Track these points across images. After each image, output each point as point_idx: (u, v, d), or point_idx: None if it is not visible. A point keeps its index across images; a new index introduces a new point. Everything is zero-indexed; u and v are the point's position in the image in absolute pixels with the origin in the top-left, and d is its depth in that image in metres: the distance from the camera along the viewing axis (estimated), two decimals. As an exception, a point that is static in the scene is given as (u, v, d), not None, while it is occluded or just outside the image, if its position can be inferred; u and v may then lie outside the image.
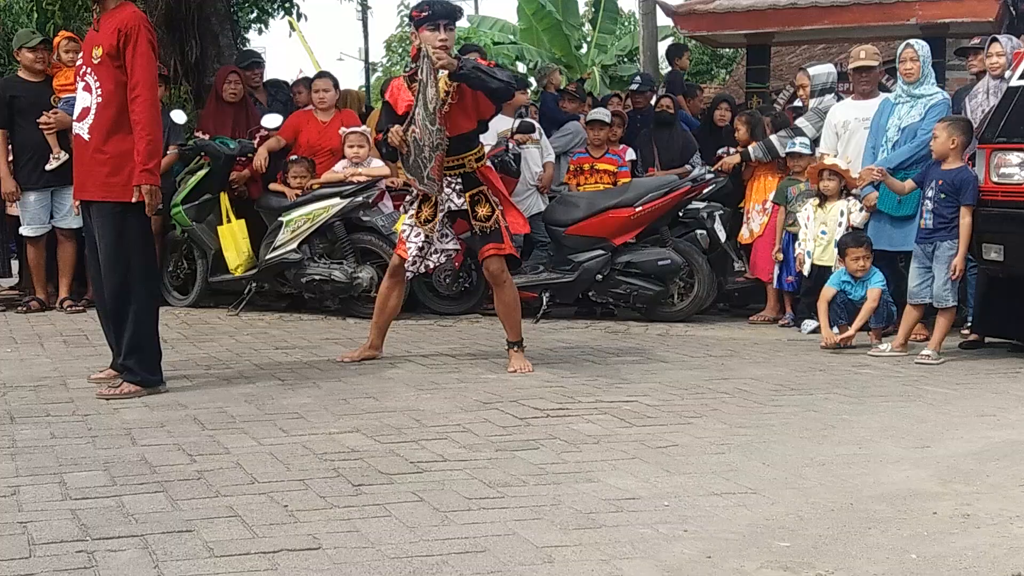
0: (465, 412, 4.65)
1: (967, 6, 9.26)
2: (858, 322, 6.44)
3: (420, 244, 5.75)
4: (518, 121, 7.90)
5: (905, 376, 5.63)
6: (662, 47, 17.47)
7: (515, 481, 3.61)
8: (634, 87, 10.08)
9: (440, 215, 5.67)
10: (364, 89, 25.82)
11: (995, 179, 5.98)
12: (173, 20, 10.08)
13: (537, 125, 8.26)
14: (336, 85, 8.20)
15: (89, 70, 4.96)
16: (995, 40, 6.92)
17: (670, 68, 11.27)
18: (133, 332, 4.96)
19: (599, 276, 7.57)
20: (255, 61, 8.99)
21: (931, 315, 6.31)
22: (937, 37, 9.38)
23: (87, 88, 4.97)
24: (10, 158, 7.80)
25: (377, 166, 7.73)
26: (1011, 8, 9.66)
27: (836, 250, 6.78)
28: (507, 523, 3.17)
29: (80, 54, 5.27)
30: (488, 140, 8.02)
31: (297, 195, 7.64)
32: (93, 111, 4.92)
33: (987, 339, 6.61)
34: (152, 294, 5.17)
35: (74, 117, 5.09)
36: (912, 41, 6.95)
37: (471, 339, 6.81)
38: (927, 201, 6.19)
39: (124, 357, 4.98)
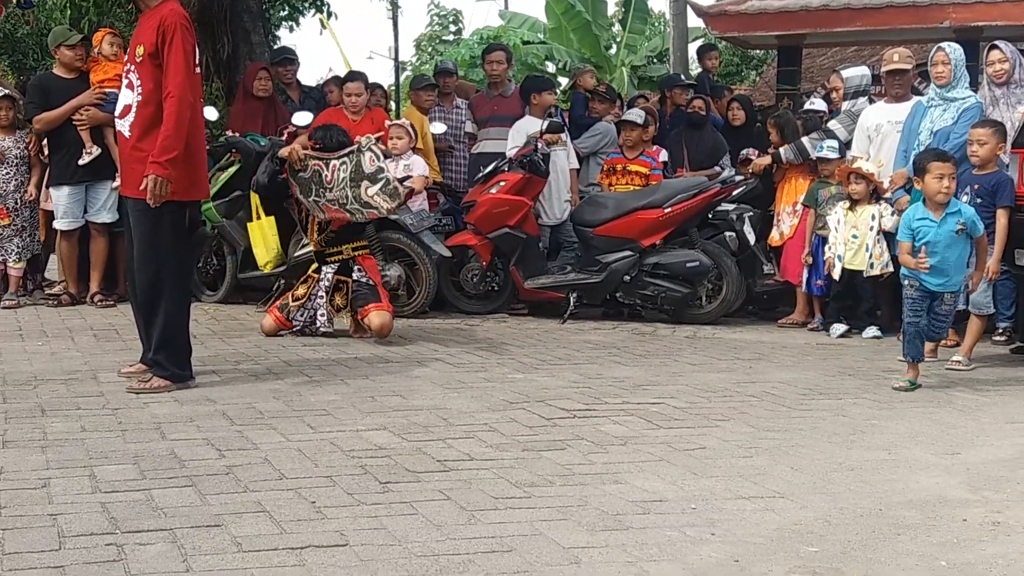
0: (492, 411, 4.65)
1: (1001, 9, 9.17)
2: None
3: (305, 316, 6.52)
4: (547, 121, 7.89)
5: (935, 382, 5.58)
6: (692, 48, 17.40)
7: (542, 481, 3.61)
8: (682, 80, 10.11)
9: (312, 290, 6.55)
10: (393, 88, 25.89)
11: (1029, 184, 5.92)
12: (205, 17, 10.15)
13: (566, 126, 8.26)
14: (368, 87, 8.20)
15: (132, 68, 5.02)
16: (995, 47, 6.77)
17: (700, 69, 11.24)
18: (164, 327, 4.99)
19: (627, 277, 7.56)
20: (288, 57, 9.03)
21: (960, 322, 6.25)
22: (971, 40, 9.29)
23: (130, 86, 5.03)
24: (46, 152, 7.89)
25: (417, 161, 7.75)
26: (1043, 11, 9.54)
27: (912, 171, 6.19)
28: (533, 523, 3.17)
29: (124, 49, 5.33)
30: (517, 141, 8.07)
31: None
32: (134, 109, 4.97)
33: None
34: (184, 291, 5.20)
35: (116, 113, 5.14)
36: (944, 44, 6.88)
37: (498, 338, 6.81)
38: (962, 208, 6.11)
39: (154, 352, 5.02)
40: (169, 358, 5.01)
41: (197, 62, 5.09)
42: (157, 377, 4.98)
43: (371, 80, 8.54)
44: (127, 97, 5.04)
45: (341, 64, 11.10)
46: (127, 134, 5.01)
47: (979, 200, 6.05)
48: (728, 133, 8.98)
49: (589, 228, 7.71)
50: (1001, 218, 5.96)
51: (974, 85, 7.04)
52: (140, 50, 4.95)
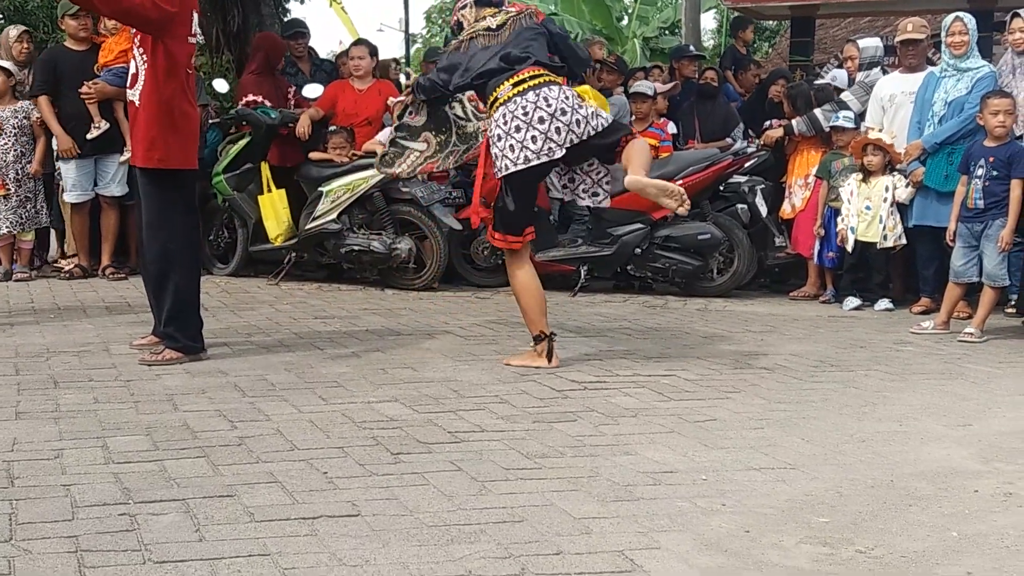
0: (503, 384, 4.66)
1: (1016, -21, 9.07)
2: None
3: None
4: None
5: (947, 354, 5.57)
6: (704, 19, 17.28)
7: (552, 452, 3.62)
8: (691, 51, 10.05)
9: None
10: (404, 60, 25.78)
11: (1043, 155, 5.87)
12: (215, -10, 10.12)
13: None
14: (373, 53, 8.17)
15: (138, 39, 5.00)
16: (1016, 15, 6.73)
17: (732, 41, 11.15)
18: (174, 299, 5.00)
19: (638, 250, 7.54)
20: (299, 31, 9.00)
21: (972, 293, 6.23)
22: (986, 10, 9.20)
23: (136, 56, 5.02)
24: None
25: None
26: (1064, -19, 9.44)
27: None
28: (544, 494, 3.18)
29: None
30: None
31: (344, 161, 7.66)
32: (142, 78, 4.96)
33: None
34: (194, 262, 5.21)
35: (127, 84, 5.13)
36: (960, 14, 6.82)
37: (508, 311, 6.80)
38: (976, 181, 6.08)
39: (165, 324, 5.03)
40: (181, 330, 5.02)
41: (194, 31, 5.06)
42: (169, 349, 4.99)
43: (383, 56, 8.51)
44: (134, 67, 5.03)
45: (349, 37, 11.02)
46: (137, 103, 5.00)
47: (995, 172, 6.01)
48: (764, 108, 8.84)
49: (600, 200, 7.67)
50: (1016, 189, 5.93)
51: (988, 55, 6.98)
52: None
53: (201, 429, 3.82)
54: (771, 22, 21.46)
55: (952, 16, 6.83)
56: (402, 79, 8.47)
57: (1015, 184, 5.92)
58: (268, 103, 7.94)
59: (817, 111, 7.61)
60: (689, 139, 8.61)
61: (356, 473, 3.34)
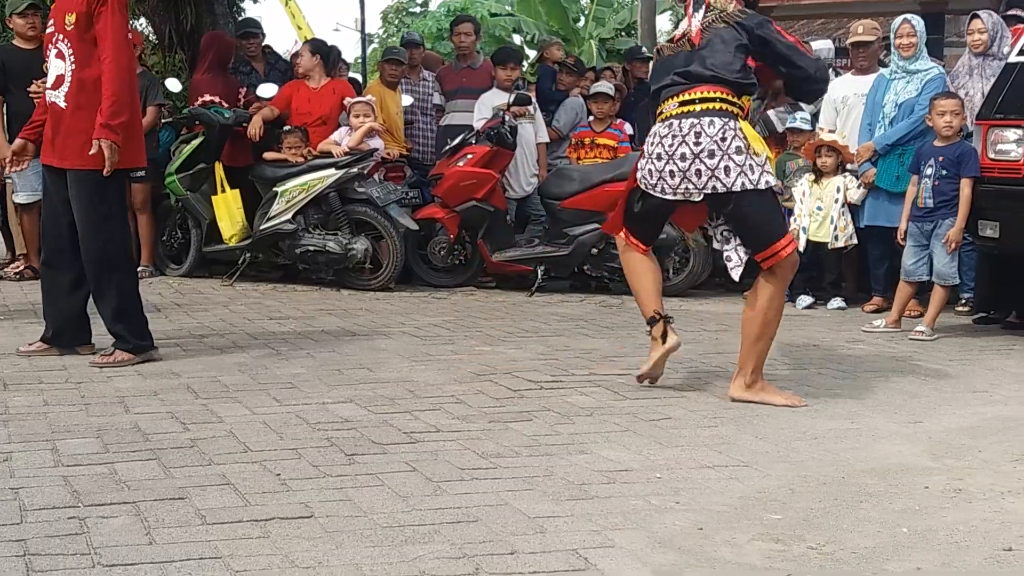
0: (459, 384, 4.65)
1: (967, -19, 9.23)
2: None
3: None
4: (514, 93, 7.86)
5: (898, 352, 5.64)
6: (660, 20, 17.38)
7: (508, 452, 3.62)
8: (643, 53, 10.07)
9: None
10: (360, 61, 25.70)
11: (992, 156, 5.96)
12: (168, -12, 10.02)
13: (534, 100, 8.23)
14: (315, 51, 8.11)
15: (62, 37, 4.88)
16: (976, 16, 6.83)
17: None
18: (119, 299, 4.93)
19: (594, 250, 7.56)
20: (251, 31, 8.93)
21: (924, 292, 6.31)
22: (936, 13, 9.34)
23: (60, 55, 4.89)
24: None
25: (376, 143, 7.71)
26: (1012, -15, 9.60)
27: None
28: (499, 493, 3.18)
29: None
30: (484, 114, 8.04)
31: (299, 161, 7.62)
32: (68, 78, 4.87)
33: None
34: (132, 259, 5.18)
35: (48, 85, 5.01)
36: (909, 16, 6.92)
37: (465, 311, 6.80)
38: (926, 180, 6.16)
39: (112, 325, 4.95)
40: (129, 329, 4.95)
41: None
42: (120, 351, 4.93)
43: (344, 55, 8.49)
44: (59, 67, 4.89)
45: (297, 37, 10.92)
46: (62, 105, 4.88)
47: (944, 172, 6.09)
48: None
49: (556, 201, 7.69)
50: (965, 188, 6.00)
51: (939, 56, 7.07)
52: (71, 18, 4.82)
53: (152, 431, 3.78)
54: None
55: (901, 19, 6.92)
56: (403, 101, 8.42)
57: (964, 183, 6.00)
58: (223, 103, 7.88)
59: (771, 112, 7.66)
60: (644, 140, 8.62)
61: (310, 474, 3.32)
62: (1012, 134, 5.85)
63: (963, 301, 6.83)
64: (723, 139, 4.26)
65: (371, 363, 5.06)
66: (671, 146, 4.33)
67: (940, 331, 6.13)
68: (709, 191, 4.32)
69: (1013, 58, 6.13)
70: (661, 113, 4.45)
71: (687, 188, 4.35)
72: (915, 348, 5.77)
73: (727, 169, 4.25)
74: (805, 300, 7.11)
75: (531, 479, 3.33)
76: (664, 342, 4.56)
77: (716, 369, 5.06)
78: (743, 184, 4.26)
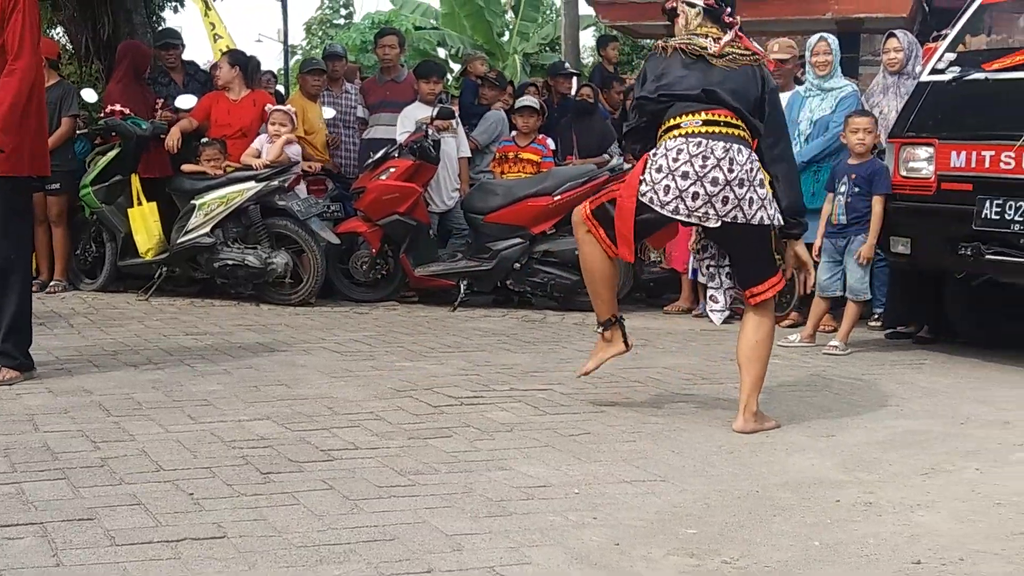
0: (379, 400, 4.62)
1: (881, 1, 9.42)
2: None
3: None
4: (438, 107, 7.86)
5: (813, 366, 5.73)
6: (584, 36, 17.53)
7: (427, 469, 3.60)
8: (566, 69, 10.15)
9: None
10: (283, 72, 25.48)
11: (904, 173, 6.10)
12: (85, -4, 9.84)
13: (456, 114, 8.24)
14: (233, 63, 8.03)
15: None
16: (892, 35, 7.02)
17: (602, 58, 11.30)
18: (15, 314, 4.76)
19: (517, 264, 7.58)
20: (170, 41, 8.80)
21: (838, 307, 6.43)
22: (852, 32, 9.53)
23: None
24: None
25: (294, 150, 7.64)
26: (925, 5, 9.86)
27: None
28: (417, 511, 3.16)
29: None
30: (407, 127, 8.02)
31: (218, 174, 7.52)
32: None
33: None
34: (29, 272, 5.01)
35: None
36: (825, 35, 7.07)
37: (387, 326, 6.76)
38: (839, 197, 6.29)
39: (3, 340, 4.78)
40: (18, 346, 4.79)
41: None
42: (6, 368, 4.75)
43: (265, 67, 8.42)
44: None
45: (221, 48, 10.75)
46: None
47: (856, 189, 6.22)
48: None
49: (480, 215, 7.70)
50: (876, 205, 6.14)
51: (854, 75, 7.22)
52: None
53: (62, 450, 3.69)
54: (648, 40, 21.87)
55: (817, 37, 7.07)
56: (325, 114, 8.35)
57: (876, 200, 6.14)
58: (131, 113, 7.75)
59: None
60: (567, 155, 8.70)
61: (223, 494, 3.27)
62: (923, 152, 6.00)
63: (876, 316, 6.98)
64: (751, 170, 4.17)
65: (289, 379, 5.00)
66: (702, 167, 4.13)
67: (853, 346, 6.25)
68: (729, 220, 4.17)
69: (925, 77, 6.29)
70: (678, 127, 4.24)
71: (707, 212, 4.17)
72: (829, 363, 5.87)
73: (751, 201, 4.15)
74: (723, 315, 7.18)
75: (449, 496, 3.31)
76: (616, 344, 4.60)
77: (635, 384, 5.10)
78: (761, 219, 4.19)
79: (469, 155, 8.43)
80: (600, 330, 4.63)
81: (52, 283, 7.82)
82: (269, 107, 7.69)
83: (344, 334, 6.37)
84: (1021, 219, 5.49)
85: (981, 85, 5.89)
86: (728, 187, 4.13)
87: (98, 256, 7.97)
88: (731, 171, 4.14)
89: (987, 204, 5.63)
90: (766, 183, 4.22)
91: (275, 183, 7.39)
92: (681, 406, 4.67)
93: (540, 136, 8.48)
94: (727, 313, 4.53)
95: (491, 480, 3.49)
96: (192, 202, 7.48)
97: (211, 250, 7.43)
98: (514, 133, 8.45)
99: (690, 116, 4.23)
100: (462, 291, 7.62)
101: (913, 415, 4.64)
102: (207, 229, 7.41)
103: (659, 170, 4.21)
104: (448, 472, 3.58)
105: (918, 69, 6.73)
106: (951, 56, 6.14)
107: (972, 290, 6.26)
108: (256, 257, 7.35)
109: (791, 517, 3.22)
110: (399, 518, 3.10)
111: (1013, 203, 5.53)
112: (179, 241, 7.49)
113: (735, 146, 4.17)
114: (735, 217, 4.17)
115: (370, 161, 7.84)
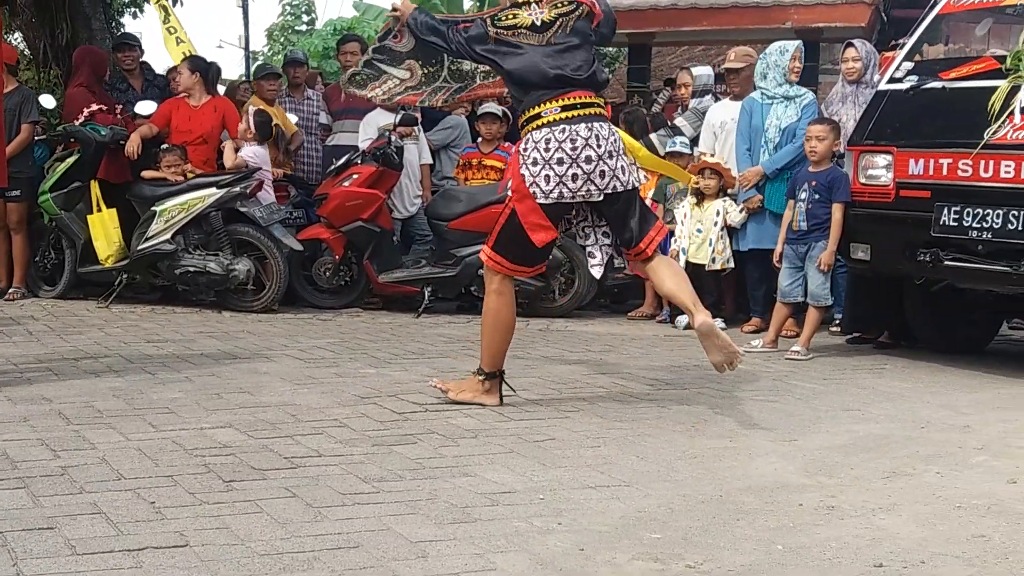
0: (342, 407, 4.60)
1: (840, 11, 9.54)
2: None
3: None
4: (400, 114, 7.85)
5: (775, 371, 5.78)
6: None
7: (391, 476, 3.59)
8: None
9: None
10: (244, 78, 25.32)
11: (863, 180, 6.17)
12: (43, 2, 9.74)
13: (419, 121, 8.22)
14: (194, 69, 7.97)
15: None
16: (850, 45, 7.11)
17: None
18: None
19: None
20: (126, 43, 8.73)
21: (800, 312, 6.49)
22: (811, 41, 9.63)
23: None
24: None
25: (259, 151, 7.60)
26: (883, 14, 9.99)
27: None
28: (381, 518, 3.15)
29: None
30: (369, 133, 8.00)
31: (179, 180, 7.47)
32: None
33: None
34: None
35: None
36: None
37: (351, 333, 6.74)
38: (800, 204, 6.35)
39: None
40: None
41: None
42: None
43: (226, 74, 8.37)
44: None
45: (182, 52, 10.62)
46: None
47: (816, 196, 6.28)
48: None
49: (444, 222, 7.69)
50: (836, 212, 6.20)
51: (814, 84, 7.30)
52: None
53: (21, 459, 3.64)
54: (610, 48, 21.97)
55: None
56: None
57: (835, 208, 6.20)
58: (103, 109, 7.69)
59: (653, 136, 7.81)
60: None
61: (185, 502, 3.24)
62: (882, 159, 6.07)
63: (836, 322, 7.05)
64: (615, 140, 4.55)
65: (252, 387, 4.97)
66: (573, 150, 4.46)
67: (815, 351, 6.30)
68: (610, 191, 4.55)
69: (883, 86, 6.36)
70: (539, 116, 4.51)
71: (588, 190, 4.53)
72: (791, 368, 5.92)
73: (623, 169, 4.56)
74: (684, 320, 7.24)
75: (414, 503, 3.30)
76: (492, 396, 4.69)
77: (600, 390, 5.11)
78: (634, 183, 4.64)
79: (431, 162, 8.42)
80: (482, 379, 4.72)
81: (11, 290, 7.73)
82: (252, 108, 7.68)
83: (307, 341, 6.34)
84: (978, 225, 5.57)
85: (938, 94, 5.98)
86: (600, 161, 4.49)
87: (57, 263, 7.89)
88: (599, 147, 4.49)
89: (945, 211, 5.70)
90: (626, 149, 4.65)
91: (237, 189, 7.35)
92: (645, 411, 4.68)
93: (504, 143, 8.49)
94: (603, 268, 4.84)
95: (456, 486, 3.49)
96: (152, 208, 7.43)
97: (172, 257, 7.38)
98: (479, 140, 8.45)
99: (548, 104, 4.51)
100: (426, 297, 7.61)
101: (874, 419, 4.69)
102: (168, 236, 7.36)
103: (535, 163, 4.50)
104: (413, 479, 3.57)
105: (876, 78, 6.81)
106: (909, 65, 6.22)
107: (931, 296, 6.34)
108: (218, 264, 7.30)
109: (754, 521, 3.24)
110: (363, 525, 3.08)
111: (970, 210, 5.60)
112: (139, 248, 7.43)
113: (595, 124, 4.51)
114: (614, 187, 4.55)
115: (333, 167, 7.82)
